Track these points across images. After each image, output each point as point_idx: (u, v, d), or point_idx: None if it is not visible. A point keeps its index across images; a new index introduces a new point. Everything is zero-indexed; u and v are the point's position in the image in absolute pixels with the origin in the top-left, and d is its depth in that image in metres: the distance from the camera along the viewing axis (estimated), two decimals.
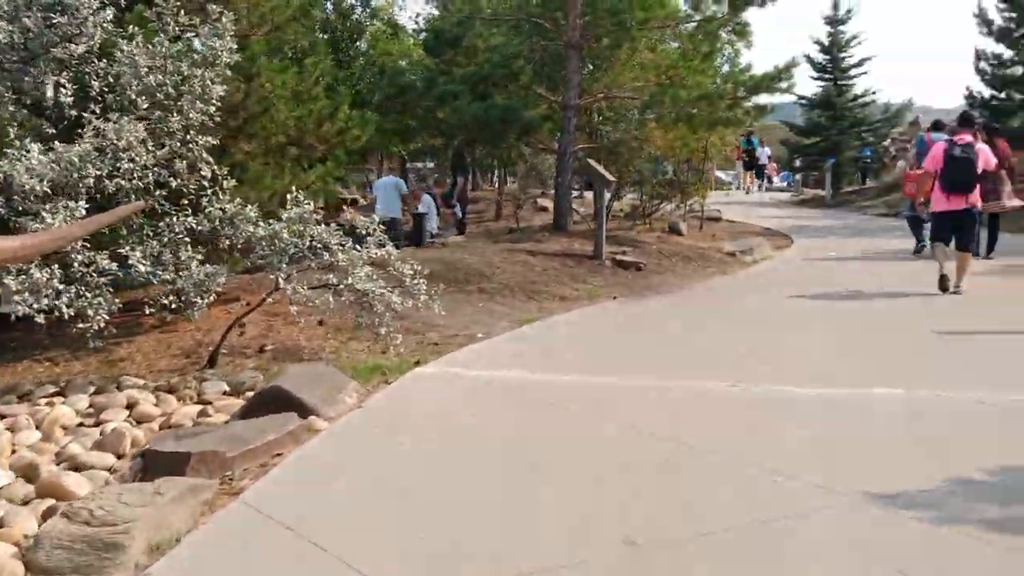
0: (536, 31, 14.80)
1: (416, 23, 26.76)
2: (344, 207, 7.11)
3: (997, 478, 4.38)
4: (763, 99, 14.53)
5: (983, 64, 29.33)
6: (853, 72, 31.53)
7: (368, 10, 22.07)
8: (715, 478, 4.48)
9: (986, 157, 10.27)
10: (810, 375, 6.56)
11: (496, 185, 25.06)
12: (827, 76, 31.61)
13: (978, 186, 10.19)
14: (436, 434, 5.31)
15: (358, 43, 21.40)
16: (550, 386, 6.32)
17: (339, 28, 20.47)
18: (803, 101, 31.62)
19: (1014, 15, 28.86)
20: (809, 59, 31.49)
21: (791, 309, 9.63)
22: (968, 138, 10.18)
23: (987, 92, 29.50)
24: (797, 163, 34.02)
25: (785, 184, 36.78)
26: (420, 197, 18.56)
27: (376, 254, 6.76)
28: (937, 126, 14.00)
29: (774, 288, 11.15)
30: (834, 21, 31.32)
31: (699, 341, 8.06)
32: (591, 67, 15.28)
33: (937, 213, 10.42)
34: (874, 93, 31.92)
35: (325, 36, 19.92)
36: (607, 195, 12.29)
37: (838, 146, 30.73)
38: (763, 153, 33.09)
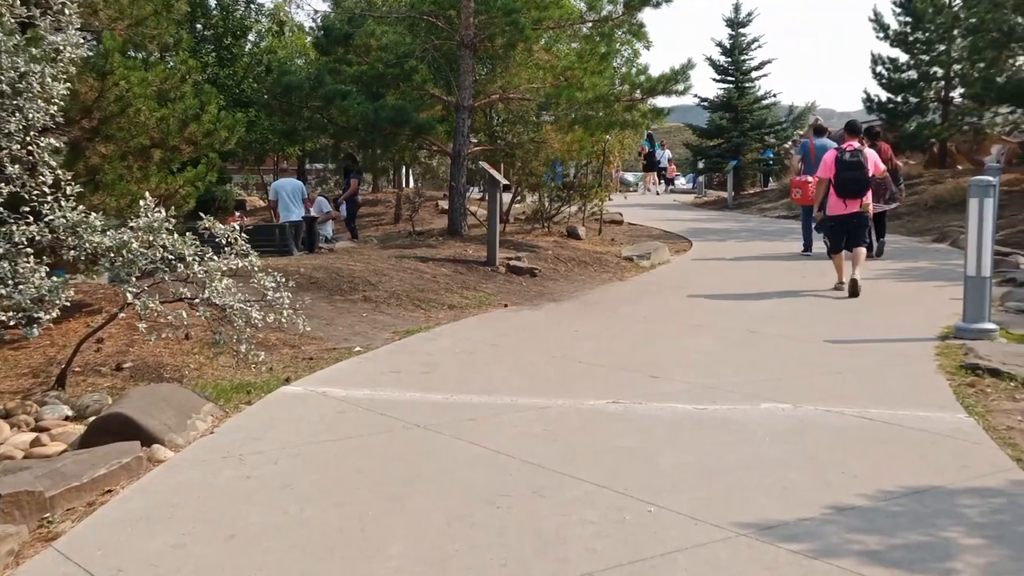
0: (431, 30, 14.42)
1: (314, 21, 26.11)
2: (203, 217, 6.55)
3: (880, 503, 4.17)
4: (663, 101, 14.39)
5: (880, 68, 29.92)
6: (754, 75, 31.86)
7: (253, 6, 21.29)
8: (588, 510, 4.17)
9: (875, 161, 10.98)
10: (697, 389, 6.34)
11: (403, 186, 24.52)
12: (729, 78, 31.88)
13: (869, 189, 10.85)
14: (291, 464, 4.88)
15: (242, 40, 20.63)
16: (423, 406, 5.95)
17: (222, 25, 19.70)
18: (705, 103, 31.85)
19: (909, 19, 29.49)
20: (711, 61, 31.77)
21: (683, 317, 9.44)
22: (856, 144, 10.82)
23: (884, 96, 30.10)
24: (700, 165, 34.27)
25: (690, 186, 37.07)
26: (315, 200, 18.05)
27: (237, 265, 6.30)
28: (819, 131, 14.84)
29: (668, 294, 10.98)
30: (735, 24, 31.62)
31: (587, 352, 7.78)
32: (488, 67, 14.95)
33: (833, 217, 10.89)
34: (775, 96, 32.34)
35: (208, 32, 19.18)
36: (501, 198, 11.97)
37: (740, 148, 31.01)
38: (663, 155, 33.24)
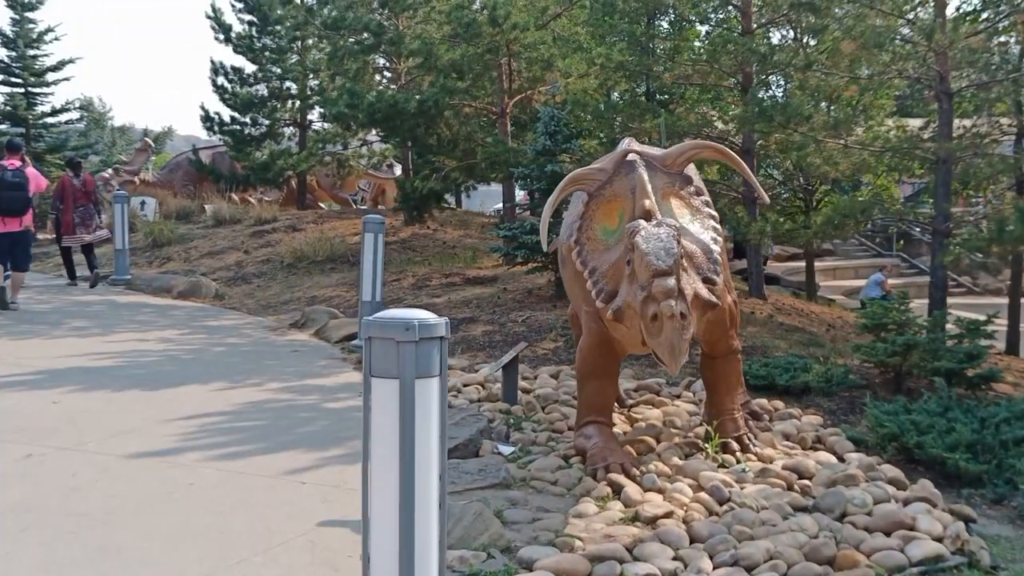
0: None
1: None
2: None
3: None
4: None
5: (222, 80, 24.63)
6: (51, 76, 24.59)
7: None
8: None
9: (36, 181, 11.88)
10: None
11: None
12: (15, 80, 24.23)
13: (31, 208, 11.77)
14: None
15: None
16: None
17: None
18: None
19: (254, 19, 24.54)
20: None
21: None
22: (18, 163, 11.67)
23: (228, 114, 24.85)
24: None
25: None
26: None
27: None
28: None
29: None
30: (20, 5, 24.01)
31: None
32: None
33: None
34: (84, 107, 25.42)
35: None
36: None
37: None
38: None
